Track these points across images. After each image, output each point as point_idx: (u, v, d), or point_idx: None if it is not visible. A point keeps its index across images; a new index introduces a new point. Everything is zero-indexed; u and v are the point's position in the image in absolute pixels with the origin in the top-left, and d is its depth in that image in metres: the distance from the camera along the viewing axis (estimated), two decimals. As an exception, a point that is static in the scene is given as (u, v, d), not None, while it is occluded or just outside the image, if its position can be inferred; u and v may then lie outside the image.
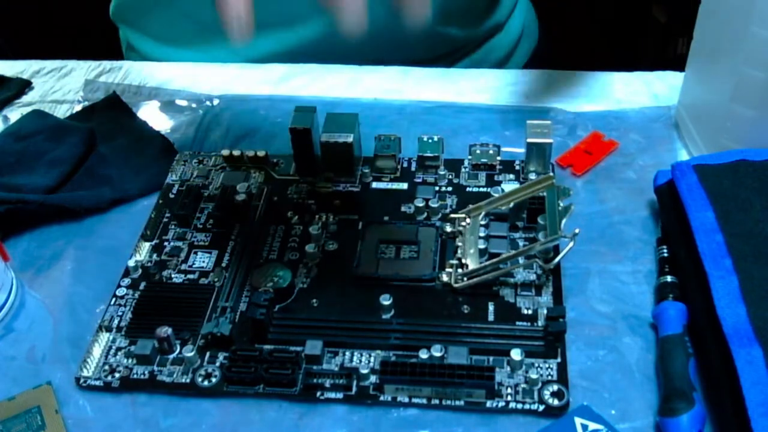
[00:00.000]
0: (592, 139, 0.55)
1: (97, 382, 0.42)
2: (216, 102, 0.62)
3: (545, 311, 0.44)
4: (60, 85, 0.65)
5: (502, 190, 0.51)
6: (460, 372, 0.40)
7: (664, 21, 1.06)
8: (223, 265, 0.48)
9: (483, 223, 0.48)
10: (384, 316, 0.44)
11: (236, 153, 0.55)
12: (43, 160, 0.54)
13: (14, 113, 0.62)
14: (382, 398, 0.41)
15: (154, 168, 0.56)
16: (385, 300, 0.44)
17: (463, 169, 0.53)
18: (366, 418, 0.40)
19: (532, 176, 0.52)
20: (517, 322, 0.44)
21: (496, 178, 0.53)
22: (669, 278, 0.44)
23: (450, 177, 0.53)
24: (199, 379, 0.42)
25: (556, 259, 0.45)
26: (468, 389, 0.40)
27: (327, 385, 0.41)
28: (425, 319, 0.44)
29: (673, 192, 0.46)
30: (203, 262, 0.48)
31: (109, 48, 0.79)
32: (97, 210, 0.53)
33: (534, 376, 0.41)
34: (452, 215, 0.50)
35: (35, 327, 0.46)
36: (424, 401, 0.41)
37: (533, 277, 0.46)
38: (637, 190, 0.52)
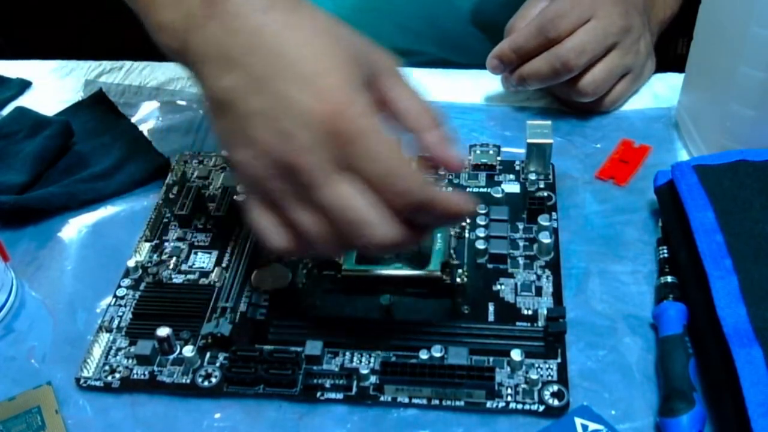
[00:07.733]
0: (624, 148, 0.55)
1: (97, 383, 0.42)
2: (216, 102, 0.62)
3: (545, 312, 0.44)
4: (60, 85, 0.65)
5: (503, 190, 0.51)
6: (460, 372, 0.40)
7: (664, 21, 1.06)
8: (224, 265, 0.48)
9: (483, 223, 0.48)
10: (384, 316, 0.44)
11: (236, 153, 0.55)
12: (20, 156, 0.55)
13: (14, 113, 0.61)
14: (382, 398, 0.41)
15: (130, 168, 0.55)
16: (385, 300, 0.44)
17: (463, 169, 0.53)
18: (366, 419, 0.40)
19: (533, 176, 0.52)
20: (517, 323, 0.44)
21: (496, 178, 0.53)
22: (669, 278, 0.44)
23: (450, 177, 0.53)
24: (199, 380, 0.42)
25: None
26: (468, 389, 0.40)
27: (327, 385, 0.41)
28: (425, 319, 0.44)
29: (673, 192, 0.46)
30: (203, 262, 0.48)
31: (109, 48, 0.79)
32: (95, 210, 0.53)
33: (534, 376, 0.41)
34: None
35: (35, 327, 0.46)
36: (424, 401, 0.41)
37: (533, 277, 0.46)
38: (637, 190, 0.52)
